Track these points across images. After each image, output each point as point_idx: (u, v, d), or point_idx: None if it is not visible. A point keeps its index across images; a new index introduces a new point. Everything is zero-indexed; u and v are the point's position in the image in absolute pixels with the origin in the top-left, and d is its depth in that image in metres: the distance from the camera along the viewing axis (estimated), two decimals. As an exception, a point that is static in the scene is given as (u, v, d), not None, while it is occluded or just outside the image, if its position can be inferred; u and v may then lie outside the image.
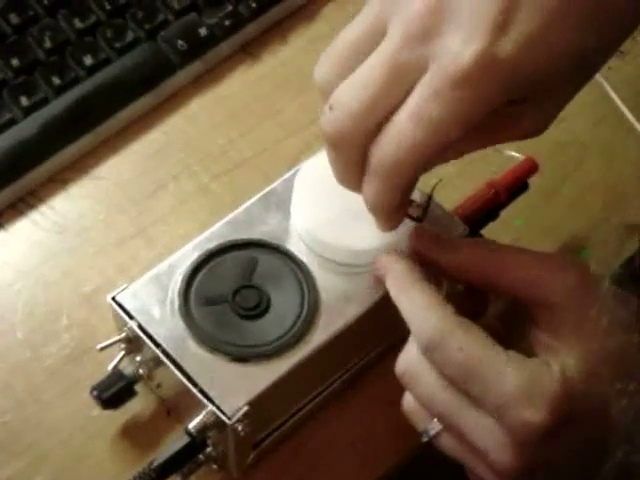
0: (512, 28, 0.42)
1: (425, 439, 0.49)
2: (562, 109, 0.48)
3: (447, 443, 0.49)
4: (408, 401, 0.50)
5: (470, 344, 0.45)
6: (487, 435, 0.46)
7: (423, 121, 0.43)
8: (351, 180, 0.47)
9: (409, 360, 0.49)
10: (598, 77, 0.67)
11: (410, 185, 0.47)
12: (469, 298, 0.52)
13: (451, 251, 0.49)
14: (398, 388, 0.52)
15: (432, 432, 0.49)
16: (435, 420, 0.48)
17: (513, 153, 0.59)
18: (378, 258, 0.50)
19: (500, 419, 0.45)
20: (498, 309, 0.56)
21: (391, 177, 0.45)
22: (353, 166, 0.46)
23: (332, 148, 0.46)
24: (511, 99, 0.44)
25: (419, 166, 0.45)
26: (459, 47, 0.42)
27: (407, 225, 0.52)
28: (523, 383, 0.44)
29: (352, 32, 0.45)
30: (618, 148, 0.67)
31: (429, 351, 0.46)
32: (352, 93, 0.44)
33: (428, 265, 0.50)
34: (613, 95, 0.67)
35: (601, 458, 0.46)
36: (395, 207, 0.47)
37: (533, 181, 0.60)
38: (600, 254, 0.63)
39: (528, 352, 0.47)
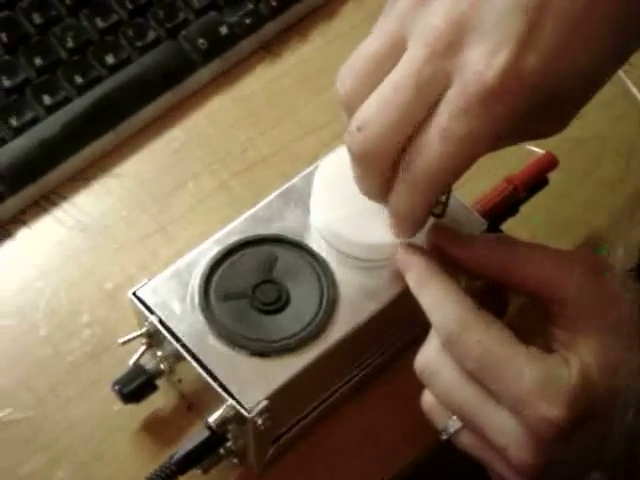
0: (537, 40, 0.42)
1: (444, 437, 0.49)
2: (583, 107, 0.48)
3: (466, 440, 0.49)
4: (427, 398, 0.50)
5: (490, 338, 0.46)
6: (506, 431, 0.46)
7: (452, 138, 0.43)
8: (376, 193, 0.48)
9: (428, 356, 0.49)
10: (619, 73, 0.67)
11: (438, 196, 0.47)
12: (490, 297, 0.52)
13: (468, 247, 0.50)
14: (417, 384, 0.52)
15: (451, 429, 0.49)
16: (454, 417, 0.48)
17: (533, 148, 0.59)
18: (397, 252, 0.51)
19: (518, 415, 0.45)
20: (517, 306, 0.56)
21: (421, 192, 0.46)
22: (379, 181, 0.47)
23: (360, 166, 0.47)
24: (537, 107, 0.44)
25: (449, 180, 0.46)
26: (483, 62, 0.42)
27: (426, 220, 0.52)
28: (541, 378, 0.44)
29: (372, 46, 0.45)
30: (638, 144, 0.66)
31: (450, 344, 0.46)
32: (379, 113, 0.44)
33: (446, 261, 0.50)
34: (634, 91, 0.67)
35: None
36: (421, 217, 0.48)
37: (551, 177, 0.60)
38: (619, 251, 0.62)
39: (546, 349, 0.47)
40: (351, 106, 0.46)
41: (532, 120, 0.44)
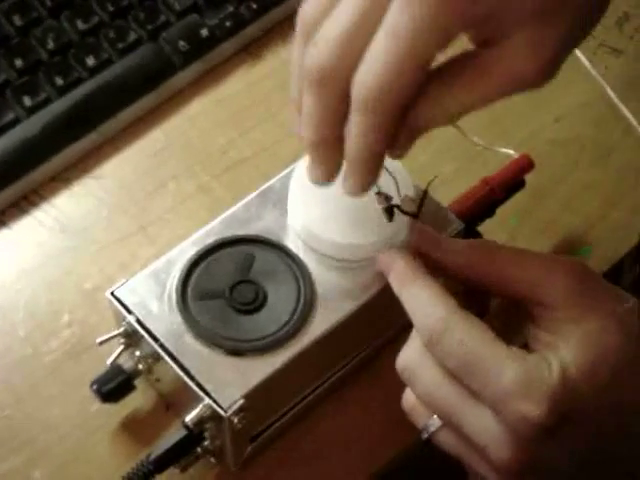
0: None
1: (425, 436, 0.49)
2: (562, 48, 0.44)
3: (446, 439, 0.49)
4: (408, 398, 0.50)
5: (472, 338, 0.46)
6: (486, 430, 0.46)
7: (397, 34, 0.41)
8: (329, 128, 0.45)
9: (410, 356, 0.49)
10: (596, 75, 0.68)
11: (394, 121, 0.44)
12: (472, 295, 0.52)
13: (451, 250, 0.50)
14: (395, 383, 0.52)
15: (432, 429, 0.49)
16: (435, 417, 0.49)
17: (510, 151, 0.60)
18: (380, 255, 0.51)
19: (499, 413, 0.45)
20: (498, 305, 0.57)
21: (375, 107, 0.43)
22: (334, 105, 0.44)
23: (314, 86, 0.44)
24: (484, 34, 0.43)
25: (403, 90, 0.43)
26: None
27: (403, 220, 0.52)
28: (522, 377, 0.44)
29: None
30: (615, 147, 0.67)
31: (432, 344, 0.46)
32: (333, 25, 0.43)
33: (427, 263, 0.50)
34: (611, 94, 0.67)
35: (605, 462, 0.47)
36: (378, 152, 0.45)
37: (530, 179, 0.60)
38: (598, 252, 0.63)
39: (525, 348, 0.47)
40: (310, 32, 0.44)
41: (490, 53, 0.43)
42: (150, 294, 0.53)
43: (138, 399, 0.56)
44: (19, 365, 0.59)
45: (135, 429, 0.56)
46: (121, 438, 0.56)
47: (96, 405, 0.55)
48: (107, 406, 0.55)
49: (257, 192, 0.56)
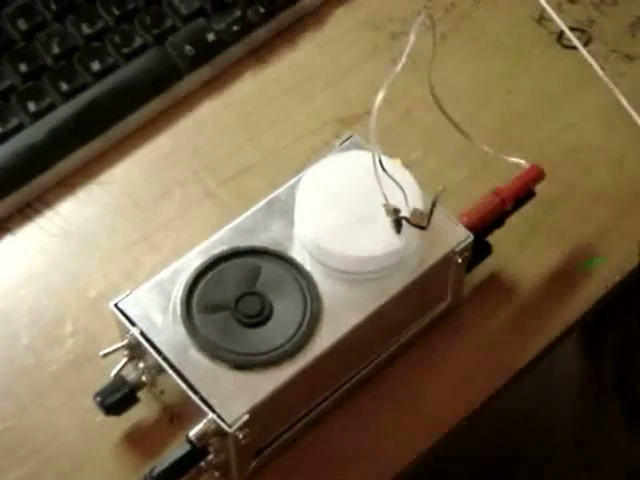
0: None
1: None
2: None
3: None
4: None
5: None
6: None
7: None
8: None
9: None
10: (609, 83, 0.67)
11: None
12: None
13: None
14: (402, 396, 0.51)
15: None
16: None
17: (520, 161, 0.59)
18: None
19: None
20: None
21: None
22: None
23: None
24: None
25: None
26: None
27: (411, 232, 0.52)
28: None
29: None
30: (628, 154, 0.66)
31: None
32: None
33: None
34: (624, 101, 0.66)
35: None
36: None
37: (541, 187, 0.59)
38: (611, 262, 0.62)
39: None
40: None
41: None
42: (154, 306, 0.52)
43: (142, 411, 0.56)
44: (22, 374, 0.58)
45: (139, 441, 0.56)
46: (125, 450, 0.56)
47: (100, 416, 0.55)
48: (111, 417, 0.54)
49: (263, 202, 0.56)
